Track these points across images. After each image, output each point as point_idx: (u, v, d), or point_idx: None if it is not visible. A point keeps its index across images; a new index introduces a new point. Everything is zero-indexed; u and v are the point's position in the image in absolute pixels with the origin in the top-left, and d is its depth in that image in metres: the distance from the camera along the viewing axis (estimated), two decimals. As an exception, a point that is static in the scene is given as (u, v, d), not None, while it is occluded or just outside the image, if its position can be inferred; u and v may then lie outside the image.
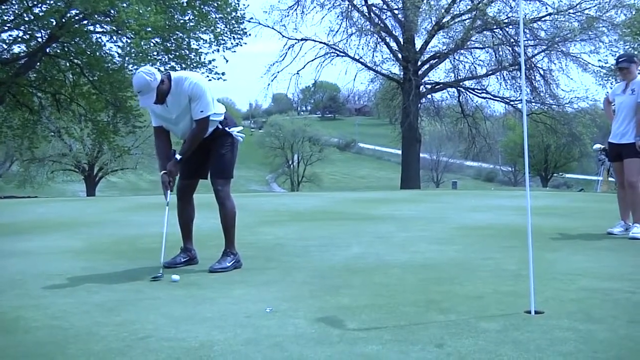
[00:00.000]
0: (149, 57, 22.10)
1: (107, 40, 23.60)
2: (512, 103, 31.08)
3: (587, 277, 4.89)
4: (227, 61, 29.21)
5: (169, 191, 5.36)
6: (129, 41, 21.84)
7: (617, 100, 7.43)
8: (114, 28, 22.20)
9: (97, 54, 23.16)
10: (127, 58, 22.77)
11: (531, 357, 3.04)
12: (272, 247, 6.51)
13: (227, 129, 5.44)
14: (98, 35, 23.65)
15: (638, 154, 7.10)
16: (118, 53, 23.29)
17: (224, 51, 23.84)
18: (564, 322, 3.62)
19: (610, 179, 17.21)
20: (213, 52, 23.60)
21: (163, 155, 5.42)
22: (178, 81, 5.23)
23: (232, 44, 23.92)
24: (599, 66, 30.41)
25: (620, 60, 7.40)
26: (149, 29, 20.60)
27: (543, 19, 29.91)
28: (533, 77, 30.58)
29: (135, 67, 21.35)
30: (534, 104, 30.87)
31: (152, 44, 22.52)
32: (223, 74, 23.37)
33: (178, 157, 5.30)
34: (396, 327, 3.59)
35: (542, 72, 30.65)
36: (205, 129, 5.32)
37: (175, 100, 5.24)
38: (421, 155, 35.79)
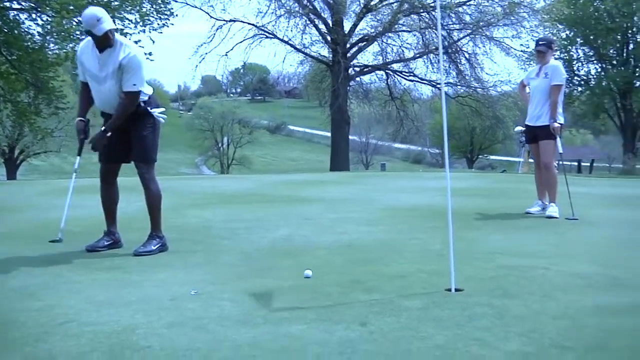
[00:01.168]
0: (72, 37, 21.40)
1: (26, 18, 22.72)
2: (438, 86, 31.61)
3: (505, 255, 5.06)
4: (153, 42, 28.54)
5: (78, 157, 5.43)
6: (49, 20, 21.08)
7: (531, 84, 7.67)
8: (33, 5, 21.39)
9: (15, 32, 22.27)
10: (47, 37, 21.99)
11: (450, 333, 3.13)
12: (199, 230, 6.45)
13: (149, 109, 5.35)
14: (15, 12, 22.73)
15: (552, 136, 7.36)
16: (38, 32, 22.48)
17: (150, 32, 23.27)
18: (482, 299, 3.75)
19: (530, 160, 17.70)
20: (139, 32, 23.00)
21: (84, 104, 5.35)
22: (119, 44, 5.18)
23: (158, 24, 23.37)
24: (521, 50, 31.34)
25: (540, 43, 7.63)
26: (71, 7, 19.93)
27: (468, 3, 30.50)
28: (458, 61, 31.18)
29: (56, 46, 20.66)
30: (459, 87, 31.53)
31: (74, 24, 21.81)
32: (150, 54, 22.86)
33: (106, 129, 5.20)
34: (321, 307, 3.64)
35: (467, 55, 31.28)
36: (134, 104, 5.23)
37: (110, 60, 5.16)
38: (350, 137, 36.07)
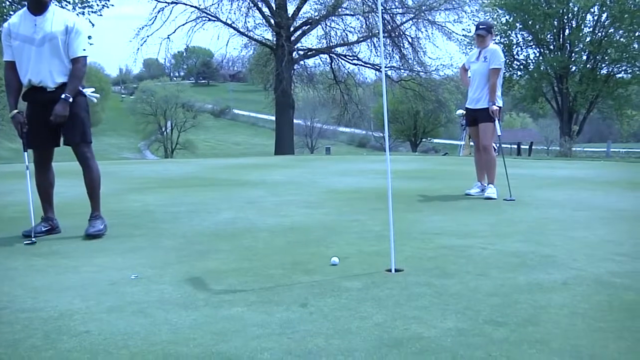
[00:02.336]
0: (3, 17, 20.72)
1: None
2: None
3: (444, 236, 5.15)
4: (93, 25, 27.93)
5: (25, 153, 5.21)
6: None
7: (472, 67, 7.80)
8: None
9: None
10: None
11: (389, 312, 3.18)
12: (139, 214, 6.37)
13: (80, 88, 5.24)
14: None
15: (492, 118, 7.51)
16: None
17: (89, 14, 22.78)
18: (421, 278, 3.82)
19: (471, 143, 18.04)
20: (78, 15, 22.46)
21: (15, 92, 5.17)
22: (57, 10, 5.21)
23: (98, 6, 22.89)
24: (463, 35, 31.78)
25: (480, 27, 7.74)
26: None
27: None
28: (402, 45, 31.43)
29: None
30: (402, 71, 31.81)
31: (7, 3, 21.12)
32: (89, 37, 22.32)
33: (68, 96, 5.09)
34: (262, 289, 3.65)
35: (410, 39, 31.56)
36: (85, 68, 5.20)
37: (47, 22, 5.09)
38: (295, 121, 36.07)
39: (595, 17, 36.12)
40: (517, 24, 37.43)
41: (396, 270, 3.99)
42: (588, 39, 36.62)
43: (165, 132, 63.53)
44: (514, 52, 38.44)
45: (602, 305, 3.26)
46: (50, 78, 5.11)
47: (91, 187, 5.36)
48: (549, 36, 37.94)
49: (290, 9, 31.42)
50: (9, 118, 5.16)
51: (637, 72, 36.46)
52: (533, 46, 38.96)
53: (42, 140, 5.25)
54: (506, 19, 37.24)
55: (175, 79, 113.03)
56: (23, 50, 5.11)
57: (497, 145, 8.44)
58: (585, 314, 3.11)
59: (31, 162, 5.29)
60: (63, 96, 5.07)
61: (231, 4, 30.57)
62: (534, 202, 7.10)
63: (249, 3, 30.81)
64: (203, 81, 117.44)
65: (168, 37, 30.55)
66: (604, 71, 37.71)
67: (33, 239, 4.96)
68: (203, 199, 7.54)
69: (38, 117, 5.14)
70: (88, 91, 5.31)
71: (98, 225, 5.25)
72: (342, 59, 33.00)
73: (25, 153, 5.24)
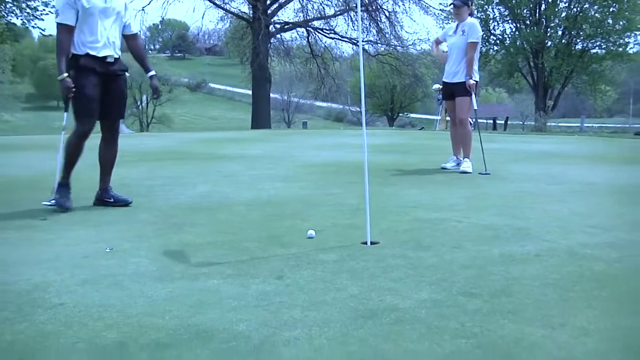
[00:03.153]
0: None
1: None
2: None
3: (420, 209, 5.19)
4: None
5: (66, 114, 5.27)
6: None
7: (448, 41, 7.79)
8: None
9: None
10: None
11: (365, 283, 3.21)
12: (115, 188, 6.29)
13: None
14: None
15: (468, 92, 7.54)
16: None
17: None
18: (397, 251, 3.84)
19: (447, 117, 18.11)
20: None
21: (67, 55, 5.12)
22: None
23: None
24: (440, 9, 31.74)
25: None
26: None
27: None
28: (379, 19, 31.31)
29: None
30: (379, 45, 31.71)
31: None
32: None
33: (154, 73, 5.45)
34: (238, 262, 3.65)
35: (387, 13, 31.43)
36: None
37: None
38: (272, 95, 35.87)
39: (571, -7, 36.26)
40: (494, -1, 37.47)
41: (372, 243, 4.01)
42: (564, 14, 36.82)
43: (140, 106, 62.89)
44: (491, 27, 38.52)
45: (572, 276, 3.31)
46: (115, 51, 5.27)
47: (113, 162, 5.61)
48: (525, 11, 38.05)
49: (267, -19, 31.09)
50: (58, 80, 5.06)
51: (611, 48, 36.77)
52: (509, 21, 39.05)
53: (107, 111, 5.37)
54: (483, -7, 37.25)
55: (150, 52, 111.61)
56: (93, 18, 5.13)
57: (473, 119, 8.49)
58: (557, 285, 3.16)
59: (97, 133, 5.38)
60: (154, 72, 5.44)
61: (207, -25, 30.15)
62: (509, 176, 7.16)
63: (225, -25, 30.42)
64: (179, 54, 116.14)
65: (143, 9, 30.22)
66: (579, 46, 37.98)
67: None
68: (179, 173, 7.50)
69: (96, 87, 5.19)
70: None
71: (124, 196, 5.57)
72: (319, 32, 32.81)
73: (66, 114, 5.30)
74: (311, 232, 4.24)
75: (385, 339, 2.47)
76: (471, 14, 7.74)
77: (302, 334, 2.53)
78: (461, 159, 7.73)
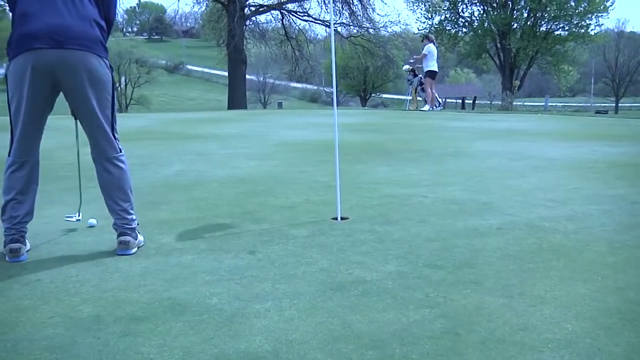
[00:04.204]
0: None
1: None
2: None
3: (388, 185, 5.21)
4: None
5: None
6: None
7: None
8: None
9: None
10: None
11: (334, 257, 3.22)
12: (91, 167, 6.22)
13: None
14: None
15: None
16: None
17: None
18: (365, 226, 3.86)
19: (418, 98, 18.15)
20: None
21: None
22: None
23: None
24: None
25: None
26: None
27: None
28: (351, 2, 31.13)
29: None
30: (352, 27, 31.58)
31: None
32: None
33: None
34: (212, 237, 3.65)
35: (359, -4, 31.25)
36: None
37: None
38: (248, 76, 35.61)
39: (536, -25, 36.34)
40: (463, -19, 37.48)
41: (342, 219, 4.03)
42: (529, -5, 36.91)
43: (119, 88, 62.14)
44: (459, 10, 38.56)
45: (532, 248, 3.36)
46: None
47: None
48: (492, -6, 38.10)
49: (242, -36, 30.71)
50: None
51: (574, 30, 37.06)
52: (477, 3, 39.12)
53: None
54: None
55: (128, 34, 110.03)
56: None
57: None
58: (517, 256, 3.20)
59: None
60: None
61: (182, -42, 29.73)
62: (475, 153, 7.21)
63: (200, -42, 29.99)
64: (156, 37, 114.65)
65: (119, -8, 29.61)
66: (544, 28, 38.25)
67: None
68: (155, 152, 7.44)
69: None
70: None
71: None
72: (293, 15, 32.57)
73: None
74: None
75: (352, 310, 2.49)
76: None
77: (272, 306, 2.54)
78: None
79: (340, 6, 30.76)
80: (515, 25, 38.09)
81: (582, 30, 37.07)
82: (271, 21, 34.29)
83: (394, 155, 7.14)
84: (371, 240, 3.53)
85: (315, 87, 69.05)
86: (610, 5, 36.43)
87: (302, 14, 32.34)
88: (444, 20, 39.83)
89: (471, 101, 55.01)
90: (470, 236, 3.59)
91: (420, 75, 17.41)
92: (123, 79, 61.59)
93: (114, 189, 3.42)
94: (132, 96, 60.71)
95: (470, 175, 5.73)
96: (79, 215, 3.97)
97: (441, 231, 3.72)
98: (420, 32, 36.81)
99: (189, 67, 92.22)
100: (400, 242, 3.50)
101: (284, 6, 31.84)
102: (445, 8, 39.68)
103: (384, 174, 5.82)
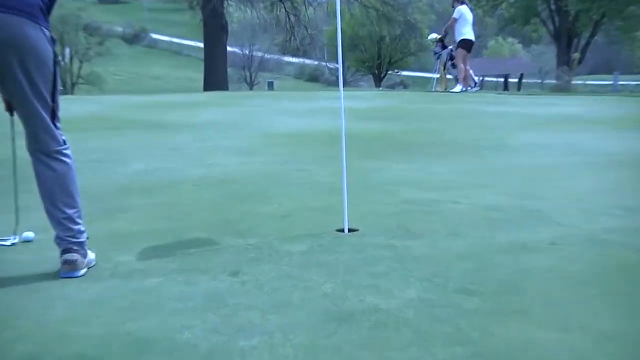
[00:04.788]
0: None
1: None
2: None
3: (409, 188, 5.23)
4: None
5: None
6: None
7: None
8: None
9: None
10: None
11: (340, 280, 3.23)
12: (28, 164, 6.24)
13: None
14: None
15: None
16: None
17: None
18: (380, 240, 3.88)
19: (448, 76, 18.12)
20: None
21: None
22: None
23: None
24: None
25: None
26: None
27: None
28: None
29: None
30: (363, -15, 31.60)
31: None
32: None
33: None
34: (184, 254, 3.66)
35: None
36: None
37: None
38: (229, 49, 35.65)
39: None
40: None
41: (349, 230, 4.04)
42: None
43: (63, 62, 62.16)
44: (502, -39, 38.49)
45: (594, 268, 3.36)
46: None
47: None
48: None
49: None
50: None
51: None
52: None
53: None
54: None
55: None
56: None
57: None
58: (575, 278, 3.21)
59: None
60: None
61: None
62: (520, 147, 7.23)
63: None
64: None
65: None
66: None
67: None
68: (111, 146, 7.46)
69: None
70: None
71: None
72: (287, -31, 32.58)
73: None
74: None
75: (363, 347, 2.50)
76: None
77: (261, 342, 2.55)
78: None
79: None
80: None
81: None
82: (259, -23, 34.32)
83: (417, 149, 7.16)
84: (387, 258, 3.54)
85: (316, 63, 68.90)
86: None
87: (298, -33, 32.37)
88: (482, -25, 39.67)
89: (516, 80, 54.99)
90: (514, 253, 3.60)
91: (451, 47, 17.38)
92: (68, 51, 61.59)
93: (56, 192, 3.43)
94: (80, 73, 60.74)
95: (514, 174, 5.74)
96: (14, 238, 3.96)
97: (476, 246, 3.73)
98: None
99: (154, 36, 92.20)
100: (424, 260, 3.51)
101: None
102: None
103: (403, 173, 5.84)
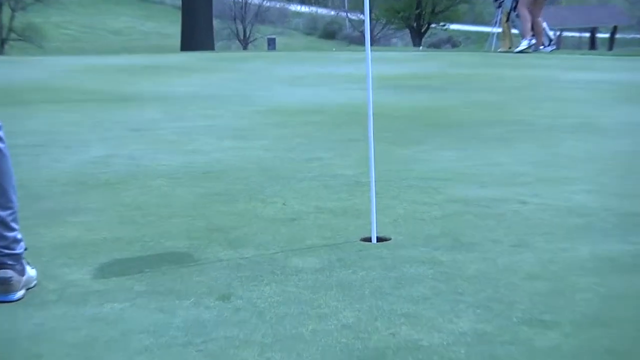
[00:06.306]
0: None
1: None
2: None
3: (459, 183, 5.24)
4: None
5: None
6: None
7: None
8: None
9: None
10: None
11: (366, 306, 3.24)
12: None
13: None
14: None
15: None
16: None
17: None
18: (420, 252, 3.89)
19: (513, 30, 18.04)
20: None
21: None
22: None
23: None
24: None
25: None
26: None
27: None
28: None
29: None
30: None
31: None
32: None
33: None
34: (155, 272, 3.68)
35: None
36: None
37: None
38: (216, -7, 35.65)
39: None
40: None
41: (379, 240, 4.06)
42: None
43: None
44: None
45: None
46: None
47: None
48: None
49: None
50: None
51: None
52: None
53: None
54: None
55: None
56: None
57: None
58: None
59: None
60: None
61: None
62: (612, 127, 7.21)
63: None
64: None
65: None
66: None
67: None
68: (56, 125, 7.48)
69: None
70: None
71: None
72: None
73: None
74: None
75: (397, 397, 2.52)
76: None
77: (260, 390, 2.57)
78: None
79: None
80: None
81: None
82: None
83: (470, 131, 7.16)
84: (429, 278, 3.55)
85: (333, 13, 68.90)
86: None
87: None
88: None
89: (607, 35, 54.71)
90: (604, 272, 3.60)
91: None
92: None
93: None
94: (13, 26, 60.88)
95: (605, 165, 5.73)
96: None
97: (551, 263, 3.73)
98: None
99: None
100: (479, 280, 3.51)
101: None
102: None
103: (451, 163, 5.84)
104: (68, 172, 5.67)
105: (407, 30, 62.11)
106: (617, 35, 55.25)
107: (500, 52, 17.76)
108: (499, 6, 18.29)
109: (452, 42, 60.18)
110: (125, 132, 7.16)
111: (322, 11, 68.78)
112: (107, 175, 5.60)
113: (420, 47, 43.12)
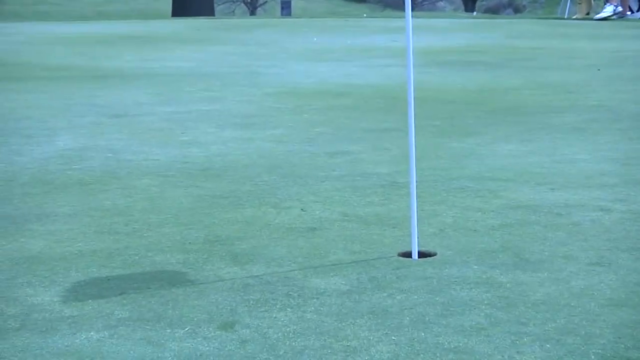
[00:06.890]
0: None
1: None
2: None
3: (524, 185, 5.24)
4: None
5: None
6: None
7: None
8: None
9: None
10: None
11: (406, 339, 3.25)
12: None
13: None
14: None
15: None
16: None
17: None
18: (472, 270, 3.90)
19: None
20: None
21: None
22: None
23: None
24: None
25: None
26: None
27: None
28: None
29: None
30: None
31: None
32: None
33: None
34: (141, 294, 3.69)
35: None
36: None
37: None
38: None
39: None
40: None
41: (421, 255, 4.07)
42: None
43: None
44: None
45: None
46: None
47: None
48: None
49: None
50: None
51: None
52: None
53: None
54: None
55: None
56: None
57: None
58: None
59: None
60: None
61: None
62: None
63: None
64: None
65: None
66: None
67: None
68: (15, 110, 7.52)
69: None
70: None
71: None
72: None
73: None
74: None
75: None
76: None
77: None
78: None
79: None
80: None
81: None
82: None
83: (535, 118, 7.16)
84: (485, 303, 3.56)
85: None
86: None
87: None
88: None
89: None
90: None
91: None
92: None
93: None
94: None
95: None
96: None
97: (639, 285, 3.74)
98: None
99: None
100: (548, 307, 3.52)
101: None
102: None
103: (512, 159, 5.84)
104: (31, 169, 5.69)
105: (457, -7, 62.09)
106: None
107: (575, 19, 17.74)
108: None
109: (514, 6, 60.12)
110: (102, 119, 7.18)
111: (349, -32, 68.75)
112: (80, 172, 5.62)
113: (475, 13, 43.11)
